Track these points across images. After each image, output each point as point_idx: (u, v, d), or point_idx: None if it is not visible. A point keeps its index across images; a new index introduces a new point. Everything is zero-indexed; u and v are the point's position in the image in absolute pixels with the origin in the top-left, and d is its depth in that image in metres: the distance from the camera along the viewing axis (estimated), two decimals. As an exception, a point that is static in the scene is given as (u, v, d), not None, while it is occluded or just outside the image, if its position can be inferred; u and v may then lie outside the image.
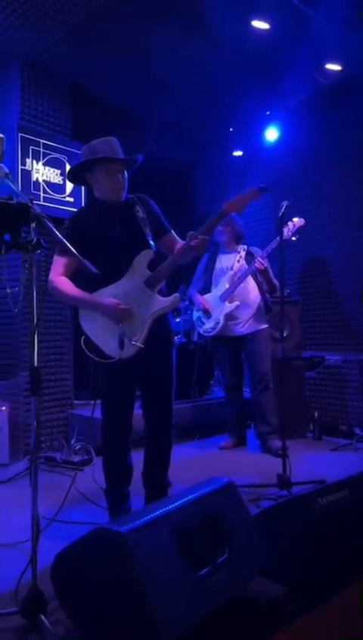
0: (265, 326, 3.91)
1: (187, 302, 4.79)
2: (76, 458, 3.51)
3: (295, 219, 3.59)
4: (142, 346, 2.27)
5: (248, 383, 4.07)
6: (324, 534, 1.84)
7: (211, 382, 4.88)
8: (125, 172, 2.42)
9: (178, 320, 4.84)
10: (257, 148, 5.11)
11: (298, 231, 3.59)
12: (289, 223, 3.56)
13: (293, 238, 3.59)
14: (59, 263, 2.33)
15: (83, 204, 4.01)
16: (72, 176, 2.69)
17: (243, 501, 1.76)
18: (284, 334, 3.99)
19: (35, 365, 1.66)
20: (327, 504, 1.92)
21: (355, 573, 1.81)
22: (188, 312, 4.79)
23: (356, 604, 1.74)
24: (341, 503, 1.95)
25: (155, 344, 2.34)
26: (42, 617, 1.57)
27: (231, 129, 5.21)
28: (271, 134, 4.90)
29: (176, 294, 2.44)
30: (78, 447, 3.64)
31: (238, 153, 5.40)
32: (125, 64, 4.00)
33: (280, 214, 2.97)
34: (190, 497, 1.61)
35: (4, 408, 3.61)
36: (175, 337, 4.66)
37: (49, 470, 3.49)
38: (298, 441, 4.04)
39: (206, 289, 4.02)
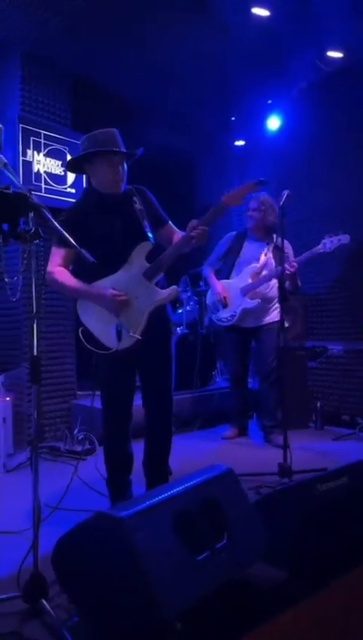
0: (278, 318, 3.85)
1: (189, 294, 4.79)
2: (79, 448, 3.53)
3: (341, 235, 3.39)
4: (140, 337, 2.28)
5: (256, 374, 4.05)
6: (323, 520, 1.86)
7: (213, 372, 4.90)
8: (125, 163, 2.42)
9: (180, 311, 4.85)
10: (259, 137, 5.09)
11: (339, 247, 3.41)
12: (333, 237, 3.40)
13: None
14: (57, 254, 2.33)
15: (81, 194, 4.02)
16: (71, 166, 2.69)
17: (242, 488, 1.78)
18: (287, 325, 3.99)
19: (35, 354, 1.68)
20: (327, 491, 1.94)
21: (354, 558, 1.83)
22: (191, 303, 4.79)
23: (357, 588, 1.76)
24: (340, 490, 1.97)
25: (153, 336, 2.34)
26: (44, 602, 1.60)
27: (232, 119, 5.18)
28: (273, 123, 4.87)
29: (174, 287, 2.44)
30: (81, 437, 3.67)
31: (240, 142, 5.39)
32: (126, 54, 3.98)
33: (281, 203, 2.95)
34: (189, 483, 1.63)
35: (8, 398, 3.63)
36: (178, 328, 4.70)
37: (53, 459, 3.52)
38: (300, 431, 4.05)
39: (223, 273, 3.89)
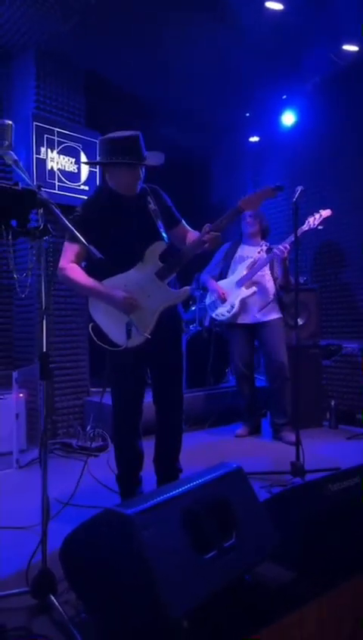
0: (279, 315, 3.88)
1: (202, 291, 4.77)
2: (92, 444, 3.55)
3: (322, 211, 3.58)
4: (149, 336, 2.28)
5: (265, 372, 4.05)
6: (334, 521, 1.84)
7: (226, 370, 4.87)
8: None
9: (193, 308, 4.83)
10: (274, 133, 5.04)
11: (324, 221, 3.59)
12: (315, 214, 3.57)
13: (320, 227, 3.60)
14: (69, 250, 2.32)
15: (95, 191, 4.04)
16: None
17: (251, 486, 1.76)
18: (300, 322, 3.97)
19: (45, 350, 1.68)
20: (339, 491, 1.91)
21: (365, 559, 1.80)
22: (203, 301, 4.78)
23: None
24: (352, 490, 1.94)
25: (164, 334, 2.34)
26: (52, 598, 1.60)
27: (247, 115, 5.14)
28: (288, 118, 4.82)
29: (186, 287, 2.44)
30: (93, 433, 3.69)
31: (255, 138, 5.34)
32: (139, 51, 3.96)
33: (294, 199, 2.92)
34: (198, 481, 1.62)
35: (21, 395, 3.66)
36: (191, 325, 4.69)
37: (65, 455, 3.54)
38: (314, 429, 4.01)
39: (222, 276, 3.98)
